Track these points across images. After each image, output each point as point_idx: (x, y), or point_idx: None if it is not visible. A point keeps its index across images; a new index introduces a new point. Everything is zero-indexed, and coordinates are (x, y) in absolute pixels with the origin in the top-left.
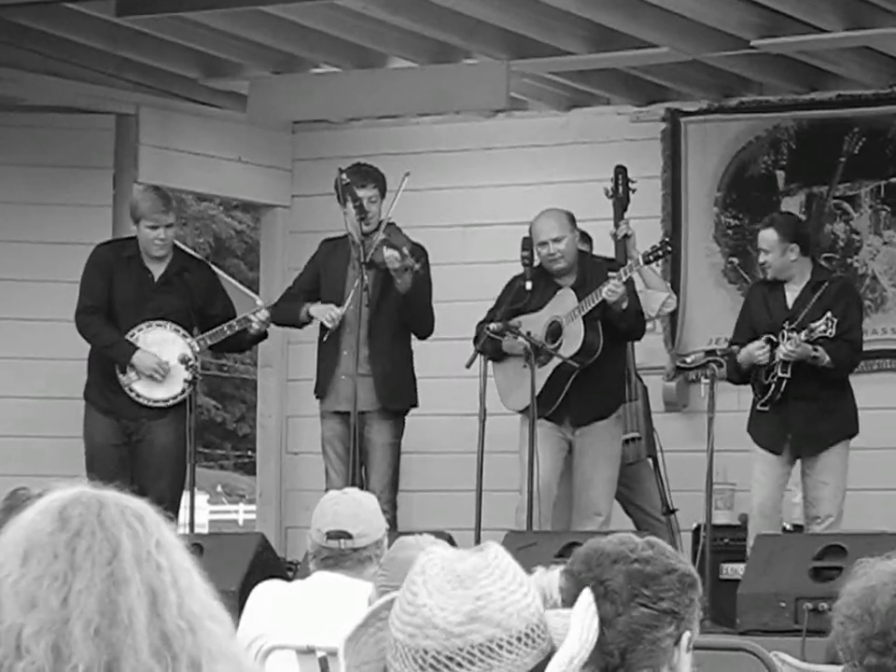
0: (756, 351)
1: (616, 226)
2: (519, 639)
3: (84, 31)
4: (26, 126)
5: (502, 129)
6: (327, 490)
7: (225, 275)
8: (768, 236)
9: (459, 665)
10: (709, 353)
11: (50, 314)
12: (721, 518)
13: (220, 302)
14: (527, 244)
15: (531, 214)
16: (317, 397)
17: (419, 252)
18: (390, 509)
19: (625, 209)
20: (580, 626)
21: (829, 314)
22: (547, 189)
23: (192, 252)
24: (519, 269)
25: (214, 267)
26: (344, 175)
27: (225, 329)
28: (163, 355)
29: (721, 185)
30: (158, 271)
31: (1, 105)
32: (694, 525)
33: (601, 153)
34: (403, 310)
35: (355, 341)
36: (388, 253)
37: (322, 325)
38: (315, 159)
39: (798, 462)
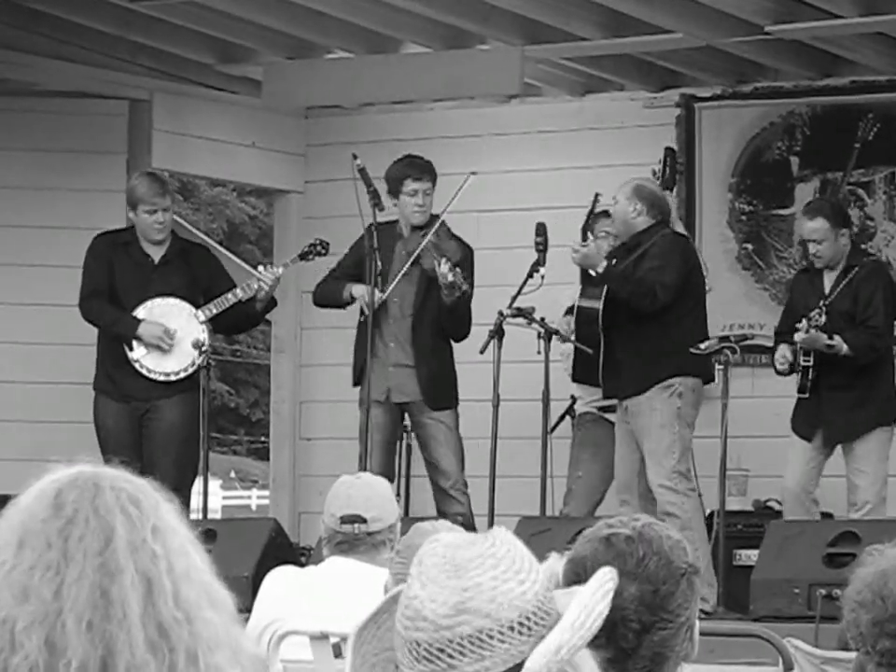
0: (777, 360)
1: None
2: (511, 629)
3: (98, 16)
4: (40, 111)
5: (516, 114)
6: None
7: (222, 249)
8: (819, 226)
9: (450, 656)
10: (723, 339)
11: (64, 299)
12: (734, 504)
13: (223, 283)
14: (541, 229)
15: (545, 199)
16: (355, 384)
17: (465, 251)
18: (464, 490)
19: (670, 191)
20: (577, 612)
21: (822, 302)
22: (561, 175)
23: (195, 231)
24: (533, 255)
25: (218, 247)
26: (359, 161)
27: (230, 296)
28: (170, 324)
29: (735, 171)
30: (157, 254)
31: (15, 89)
32: (708, 512)
33: (615, 139)
34: (444, 315)
35: (399, 331)
36: (443, 269)
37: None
38: (329, 144)
39: (839, 449)
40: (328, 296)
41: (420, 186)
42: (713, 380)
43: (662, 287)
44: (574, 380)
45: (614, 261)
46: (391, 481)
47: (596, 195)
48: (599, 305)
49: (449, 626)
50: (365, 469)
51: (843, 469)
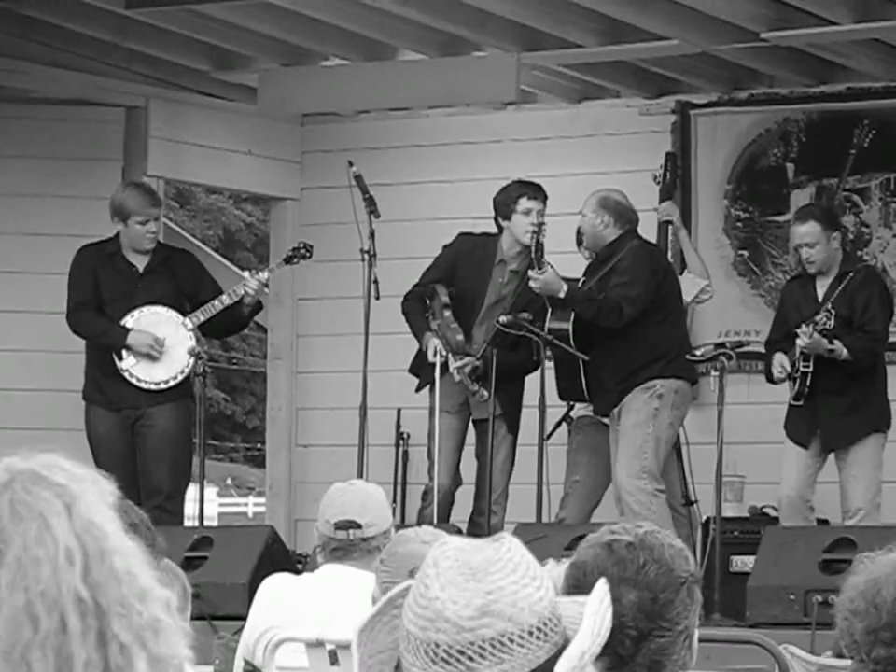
0: (775, 369)
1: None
2: (531, 633)
3: (93, 23)
4: (35, 118)
5: (512, 121)
6: (430, 483)
7: (217, 255)
8: (812, 230)
9: (470, 658)
10: (719, 346)
11: (60, 306)
12: (730, 511)
13: (209, 288)
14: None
15: None
16: (417, 389)
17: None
18: (503, 503)
19: (670, 196)
20: (592, 619)
21: (828, 305)
22: (557, 182)
23: (188, 237)
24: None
25: (211, 252)
26: (355, 168)
27: (216, 303)
28: (158, 333)
29: (730, 177)
30: (142, 264)
31: (10, 97)
32: (704, 518)
33: (611, 146)
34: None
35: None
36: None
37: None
38: (325, 151)
39: (832, 456)
40: (411, 321)
41: (535, 205)
42: (696, 381)
43: (627, 301)
44: (561, 398)
45: (582, 283)
46: (460, 483)
47: (541, 225)
48: (568, 325)
49: (472, 628)
50: (361, 477)
51: (836, 475)
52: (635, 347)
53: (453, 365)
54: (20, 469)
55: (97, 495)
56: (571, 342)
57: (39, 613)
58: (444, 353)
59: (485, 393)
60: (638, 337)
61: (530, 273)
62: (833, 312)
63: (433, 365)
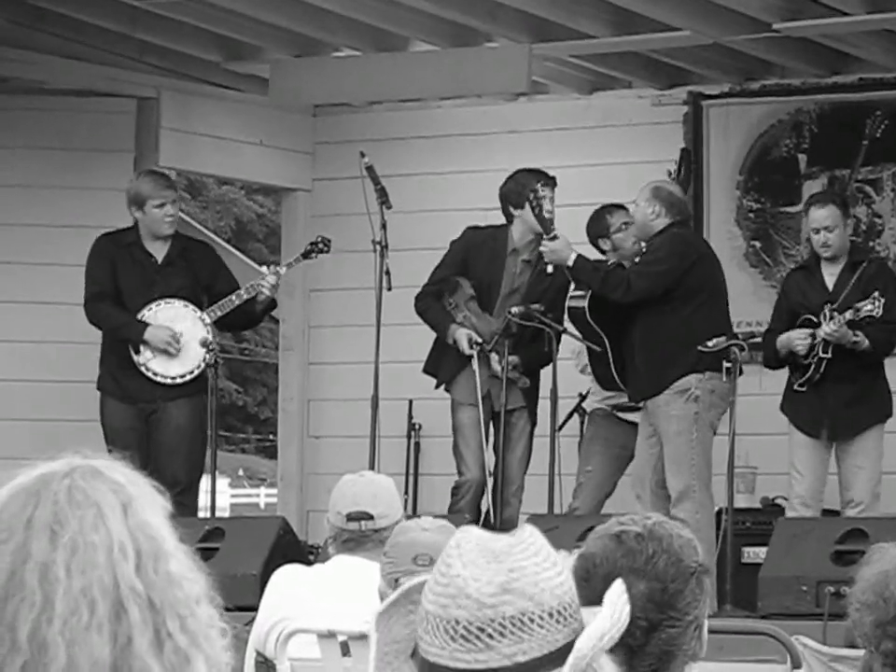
0: (797, 340)
1: None
2: (550, 615)
3: (105, 14)
4: (47, 109)
5: (524, 112)
6: (461, 477)
7: (229, 247)
8: (832, 213)
9: (490, 636)
10: (731, 336)
11: (72, 297)
12: (742, 502)
13: (225, 280)
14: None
15: None
16: (437, 386)
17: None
18: (520, 496)
19: (685, 192)
20: (610, 608)
21: (876, 293)
22: (569, 173)
23: (202, 229)
24: None
25: (226, 245)
26: (367, 159)
27: (234, 298)
28: (176, 328)
29: (742, 168)
30: (160, 254)
31: (22, 88)
32: (716, 509)
33: (623, 136)
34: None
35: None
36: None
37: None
38: (337, 142)
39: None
40: (431, 317)
41: (548, 192)
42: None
43: (638, 275)
44: (602, 388)
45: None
46: (490, 475)
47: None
48: (584, 304)
49: (493, 605)
50: (373, 468)
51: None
52: (670, 335)
53: (494, 359)
54: (80, 464)
55: (153, 501)
56: (588, 317)
57: (96, 597)
58: (480, 341)
59: (527, 380)
60: (674, 324)
61: (542, 241)
62: (882, 301)
63: (460, 358)
